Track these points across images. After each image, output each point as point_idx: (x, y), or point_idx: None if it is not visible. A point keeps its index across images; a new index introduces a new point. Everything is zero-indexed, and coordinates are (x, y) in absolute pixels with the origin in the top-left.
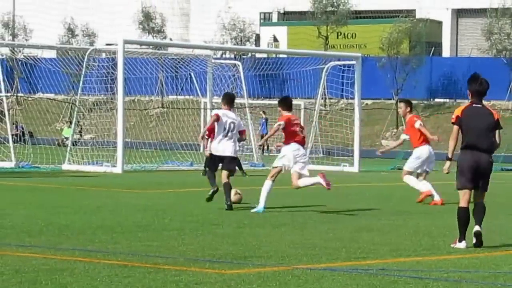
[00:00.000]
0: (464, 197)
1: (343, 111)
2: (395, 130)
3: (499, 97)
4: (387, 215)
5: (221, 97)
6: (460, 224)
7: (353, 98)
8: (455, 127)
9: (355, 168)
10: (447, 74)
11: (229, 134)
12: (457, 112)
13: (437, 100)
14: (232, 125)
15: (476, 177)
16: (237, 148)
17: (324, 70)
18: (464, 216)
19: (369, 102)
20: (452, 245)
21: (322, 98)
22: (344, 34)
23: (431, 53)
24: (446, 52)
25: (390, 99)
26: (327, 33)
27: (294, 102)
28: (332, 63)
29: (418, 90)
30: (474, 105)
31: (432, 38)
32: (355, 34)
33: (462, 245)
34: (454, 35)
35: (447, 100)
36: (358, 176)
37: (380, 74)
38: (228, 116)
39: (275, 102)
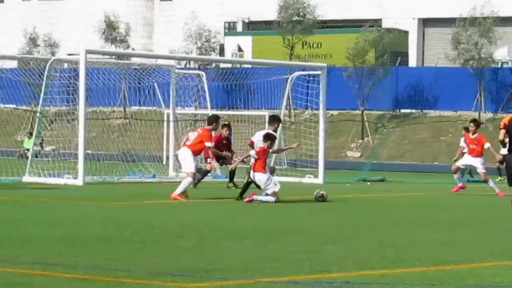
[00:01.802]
0: None
1: (308, 122)
2: (360, 141)
3: (466, 107)
4: (351, 227)
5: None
6: None
7: (318, 109)
8: (502, 130)
9: (319, 180)
10: (413, 84)
11: None
12: (505, 120)
13: (403, 110)
14: None
15: None
16: None
17: (289, 80)
18: None
19: (335, 112)
20: None
21: (286, 109)
22: (310, 43)
23: (397, 63)
24: (412, 61)
25: (356, 110)
26: (292, 43)
27: (259, 112)
28: (297, 73)
29: (384, 101)
30: None
31: (399, 48)
32: (321, 44)
33: None
34: (421, 44)
35: (413, 111)
36: (322, 187)
37: (346, 84)
38: None
39: (240, 113)
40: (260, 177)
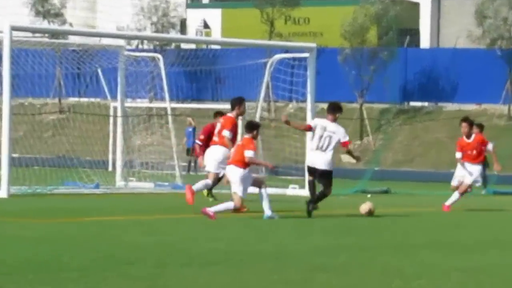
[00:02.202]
0: None
1: (292, 117)
2: (358, 142)
3: (492, 99)
4: (348, 250)
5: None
6: None
7: (305, 101)
8: None
9: (307, 191)
10: (426, 70)
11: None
12: None
13: (413, 103)
14: None
15: None
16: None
17: (269, 65)
18: None
19: (326, 106)
20: None
21: (265, 101)
22: (295, 19)
23: (405, 44)
24: (425, 42)
25: (353, 102)
26: (272, 18)
27: (229, 106)
28: (278, 56)
29: (389, 91)
30: None
31: (408, 24)
32: (309, 19)
33: None
34: (436, 20)
35: (426, 104)
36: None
37: (341, 70)
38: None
39: (205, 106)
40: (236, 172)
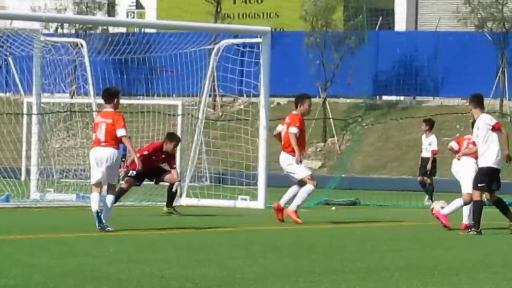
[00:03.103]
0: None
1: (242, 115)
2: (321, 145)
3: (481, 92)
4: (308, 275)
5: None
6: None
7: (258, 95)
8: None
9: (259, 203)
10: (402, 57)
11: None
12: None
13: (386, 98)
14: None
15: None
16: None
17: (214, 52)
18: None
19: (283, 101)
20: None
21: (210, 96)
22: None
23: (377, 26)
24: (400, 24)
25: (315, 97)
26: None
27: (167, 101)
28: (226, 42)
29: (359, 83)
30: None
31: (380, 4)
32: None
33: None
34: None
35: (402, 98)
36: (264, 214)
37: (300, 58)
38: None
39: (138, 101)
40: None
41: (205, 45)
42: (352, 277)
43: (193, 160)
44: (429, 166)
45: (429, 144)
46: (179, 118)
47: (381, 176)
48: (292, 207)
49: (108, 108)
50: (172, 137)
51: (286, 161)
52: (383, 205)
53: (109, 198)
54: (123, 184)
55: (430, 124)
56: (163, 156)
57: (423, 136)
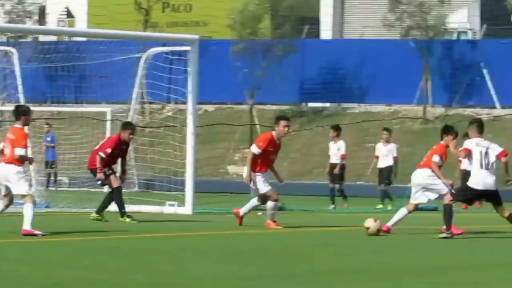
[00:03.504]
0: None
1: (170, 122)
2: (248, 151)
3: (405, 99)
4: (235, 280)
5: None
6: None
7: (186, 103)
8: None
9: (187, 209)
10: (328, 65)
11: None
12: None
13: (312, 105)
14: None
15: None
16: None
17: (143, 60)
18: None
19: (211, 108)
20: None
21: (139, 103)
22: (174, 6)
23: (304, 35)
24: (327, 32)
25: (242, 104)
26: (148, 5)
27: (97, 108)
28: (154, 50)
29: (286, 91)
30: None
31: (307, 13)
32: (191, 7)
33: None
34: (339, 7)
35: (328, 105)
36: (192, 220)
37: (228, 66)
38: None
39: (67, 109)
40: None
41: (135, 53)
42: (279, 282)
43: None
44: (337, 170)
45: (337, 150)
46: (108, 124)
47: (307, 182)
48: (268, 221)
49: (17, 125)
50: (126, 126)
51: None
52: (309, 210)
53: (26, 207)
54: (113, 184)
55: (338, 131)
56: (123, 147)
57: (331, 143)
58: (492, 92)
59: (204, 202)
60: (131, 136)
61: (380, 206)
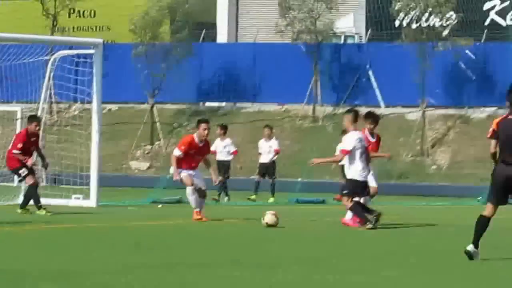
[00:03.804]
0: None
1: (76, 120)
2: (149, 147)
3: (296, 99)
4: (136, 268)
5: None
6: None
7: (91, 102)
8: (493, 141)
9: (91, 202)
10: (224, 67)
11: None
12: (493, 125)
13: (209, 104)
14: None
15: None
16: None
17: (50, 62)
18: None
19: (114, 107)
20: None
21: (47, 103)
22: (79, 11)
23: (201, 39)
24: (222, 36)
25: (144, 103)
26: (55, 11)
27: (7, 107)
28: (61, 53)
29: (185, 91)
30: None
31: (203, 18)
32: (95, 12)
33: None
34: (234, 13)
35: (224, 104)
36: (96, 212)
37: (130, 68)
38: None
39: None
40: None
41: (43, 56)
42: (178, 271)
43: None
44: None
45: (224, 147)
46: (18, 123)
47: (205, 177)
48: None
49: None
50: (31, 118)
51: None
52: (207, 203)
53: None
54: (28, 181)
55: (225, 129)
56: (33, 138)
57: (218, 140)
58: (377, 92)
59: (107, 195)
60: (37, 128)
61: (253, 197)
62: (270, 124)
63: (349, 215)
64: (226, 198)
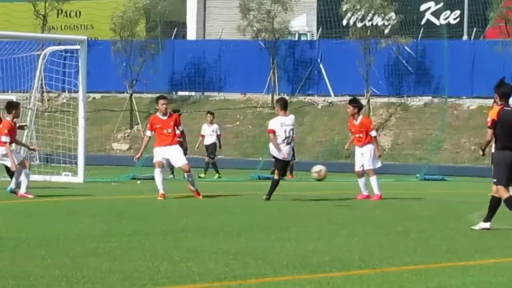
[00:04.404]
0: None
1: (64, 107)
2: (128, 131)
3: (256, 89)
4: (118, 236)
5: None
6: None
7: (77, 91)
8: (490, 130)
9: (79, 178)
10: (193, 61)
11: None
12: (492, 115)
13: (180, 93)
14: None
15: None
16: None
17: (41, 57)
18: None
19: (98, 96)
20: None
21: (39, 92)
22: (66, 12)
23: (173, 35)
24: (192, 33)
25: (123, 93)
26: (45, 11)
27: (4, 96)
28: (51, 49)
29: (159, 82)
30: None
31: (175, 18)
32: (80, 13)
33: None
34: (202, 13)
35: (193, 93)
36: (83, 187)
37: (111, 62)
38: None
39: None
40: None
41: (34, 51)
42: (154, 238)
43: (27, 143)
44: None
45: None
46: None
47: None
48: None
49: (7, 117)
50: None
51: None
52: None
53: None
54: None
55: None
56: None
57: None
58: (327, 83)
59: (93, 173)
60: (17, 113)
61: (202, 175)
62: (212, 111)
63: None
64: (216, 175)
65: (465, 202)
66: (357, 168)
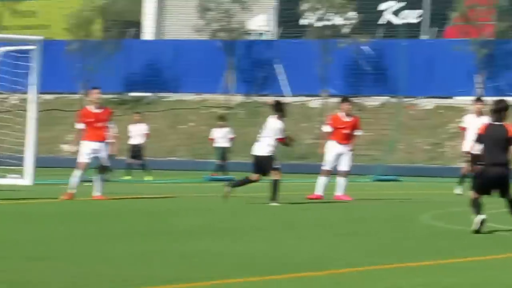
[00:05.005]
0: None
1: (15, 107)
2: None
3: (212, 89)
4: (63, 240)
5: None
6: None
7: (27, 93)
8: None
9: (27, 181)
10: (149, 61)
11: None
12: (480, 130)
13: (134, 94)
14: None
15: None
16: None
17: None
18: None
19: (50, 97)
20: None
21: None
22: (22, 12)
23: (129, 36)
24: (148, 34)
25: (77, 93)
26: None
27: None
28: (4, 49)
29: (114, 82)
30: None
31: (132, 18)
32: (35, 12)
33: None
34: (159, 13)
35: (148, 94)
36: (32, 190)
37: (65, 62)
38: None
39: None
40: None
41: None
42: (103, 241)
43: None
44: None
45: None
46: None
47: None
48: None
49: None
50: None
51: None
52: (131, 181)
53: None
54: None
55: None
56: None
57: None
58: (284, 83)
59: (42, 174)
60: None
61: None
62: (139, 110)
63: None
64: (148, 177)
65: (417, 202)
66: (328, 167)
